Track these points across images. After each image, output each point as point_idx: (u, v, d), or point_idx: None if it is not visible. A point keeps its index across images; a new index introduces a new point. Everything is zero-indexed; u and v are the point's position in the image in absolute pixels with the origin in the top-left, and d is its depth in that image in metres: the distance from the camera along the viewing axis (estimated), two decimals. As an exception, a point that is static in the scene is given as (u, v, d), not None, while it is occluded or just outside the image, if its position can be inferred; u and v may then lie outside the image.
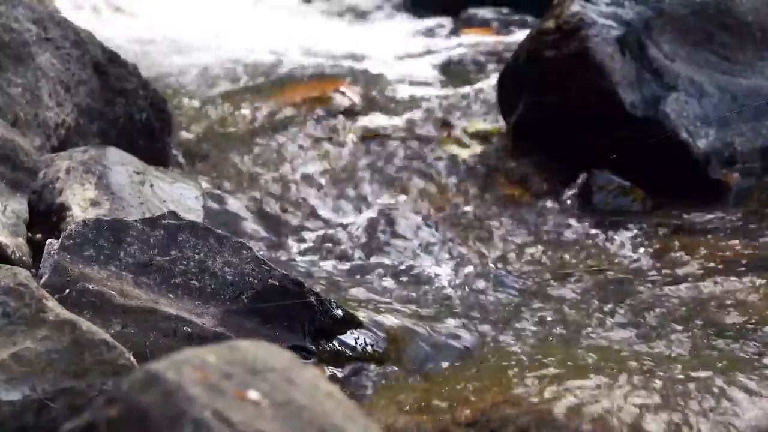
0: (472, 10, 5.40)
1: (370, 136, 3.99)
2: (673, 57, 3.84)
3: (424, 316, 2.81)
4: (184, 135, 3.90)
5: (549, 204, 3.66)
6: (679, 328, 2.77)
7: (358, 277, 3.10)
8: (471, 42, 4.98)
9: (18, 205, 2.86)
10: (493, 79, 4.20)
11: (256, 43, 4.95)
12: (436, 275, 3.12)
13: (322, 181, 3.73)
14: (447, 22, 5.41)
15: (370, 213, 3.57)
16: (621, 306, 2.92)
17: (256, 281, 2.52)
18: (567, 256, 3.28)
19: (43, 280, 2.42)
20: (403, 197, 3.70)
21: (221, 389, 1.28)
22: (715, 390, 2.29)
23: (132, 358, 2.12)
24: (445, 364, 2.61)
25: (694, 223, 3.52)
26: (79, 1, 4.98)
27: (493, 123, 4.08)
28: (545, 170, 3.82)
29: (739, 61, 3.92)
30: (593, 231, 3.48)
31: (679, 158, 3.71)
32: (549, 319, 2.86)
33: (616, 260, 3.22)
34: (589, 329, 2.79)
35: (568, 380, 2.33)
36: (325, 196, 3.66)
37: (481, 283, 3.06)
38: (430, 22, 5.47)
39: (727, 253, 3.25)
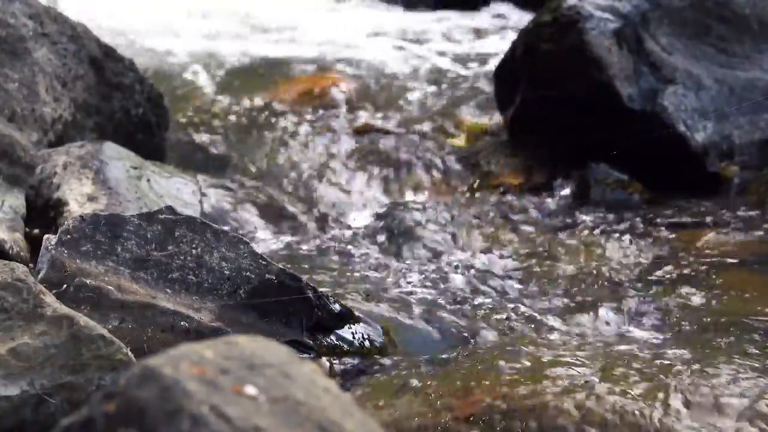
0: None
1: (366, 130, 3.99)
2: (670, 50, 3.84)
3: (422, 310, 2.81)
4: (181, 130, 3.90)
5: (546, 198, 3.66)
6: (678, 321, 2.77)
7: (355, 271, 3.10)
8: (469, 35, 4.98)
9: (15, 201, 2.86)
10: (491, 73, 4.20)
11: (253, 36, 4.94)
12: (433, 269, 3.12)
13: (319, 175, 3.73)
14: (447, 15, 5.41)
15: (367, 207, 3.57)
16: (619, 299, 2.93)
17: (253, 276, 2.52)
18: (565, 250, 3.28)
19: (40, 275, 2.42)
20: (399, 191, 3.69)
21: (218, 384, 1.28)
22: (715, 384, 2.29)
23: (130, 353, 2.12)
24: (443, 359, 2.61)
25: (692, 217, 3.52)
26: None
27: (490, 116, 4.08)
28: (542, 164, 3.82)
29: (737, 53, 3.92)
30: (591, 224, 3.48)
31: (677, 151, 3.71)
32: (549, 313, 2.86)
33: (614, 253, 3.22)
34: (588, 323, 2.79)
35: (568, 375, 2.33)
36: (322, 190, 3.66)
37: (478, 277, 3.05)
38: (429, 15, 5.46)
39: (726, 246, 3.25)
